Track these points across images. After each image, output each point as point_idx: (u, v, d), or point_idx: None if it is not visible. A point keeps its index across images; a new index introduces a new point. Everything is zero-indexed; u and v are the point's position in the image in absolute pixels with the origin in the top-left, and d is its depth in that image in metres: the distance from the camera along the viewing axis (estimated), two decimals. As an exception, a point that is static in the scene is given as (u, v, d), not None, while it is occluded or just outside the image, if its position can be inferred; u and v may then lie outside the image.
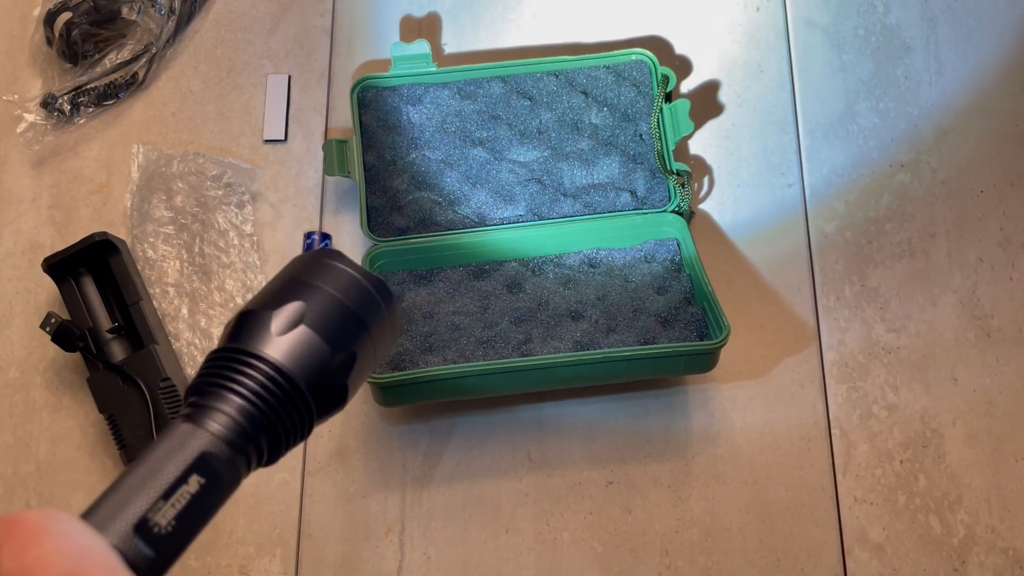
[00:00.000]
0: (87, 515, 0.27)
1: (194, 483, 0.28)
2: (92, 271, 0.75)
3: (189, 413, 0.30)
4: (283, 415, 0.31)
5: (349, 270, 0.34)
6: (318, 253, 0.35)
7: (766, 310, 0.75)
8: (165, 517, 0.27)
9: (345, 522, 0.71)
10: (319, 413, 0.32)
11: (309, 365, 0.31)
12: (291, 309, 0.32)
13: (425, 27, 0.85)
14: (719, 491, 0.71)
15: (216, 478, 0.28)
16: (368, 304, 0.34)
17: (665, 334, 0.71)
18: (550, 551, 0.70)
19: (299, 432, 0.32)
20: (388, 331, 0.35)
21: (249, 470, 0.30)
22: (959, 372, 0.73)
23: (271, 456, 0.31)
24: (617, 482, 0.71)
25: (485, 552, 0.70)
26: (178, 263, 0.77)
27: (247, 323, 0.32)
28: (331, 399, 0.32)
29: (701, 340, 0.70)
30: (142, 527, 0.26)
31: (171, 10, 0.83)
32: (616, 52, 0.79)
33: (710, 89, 0.82)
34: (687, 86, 0.82)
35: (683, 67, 0.82)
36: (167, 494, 0.27)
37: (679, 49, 0.83)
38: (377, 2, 0.86)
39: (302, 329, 0.31)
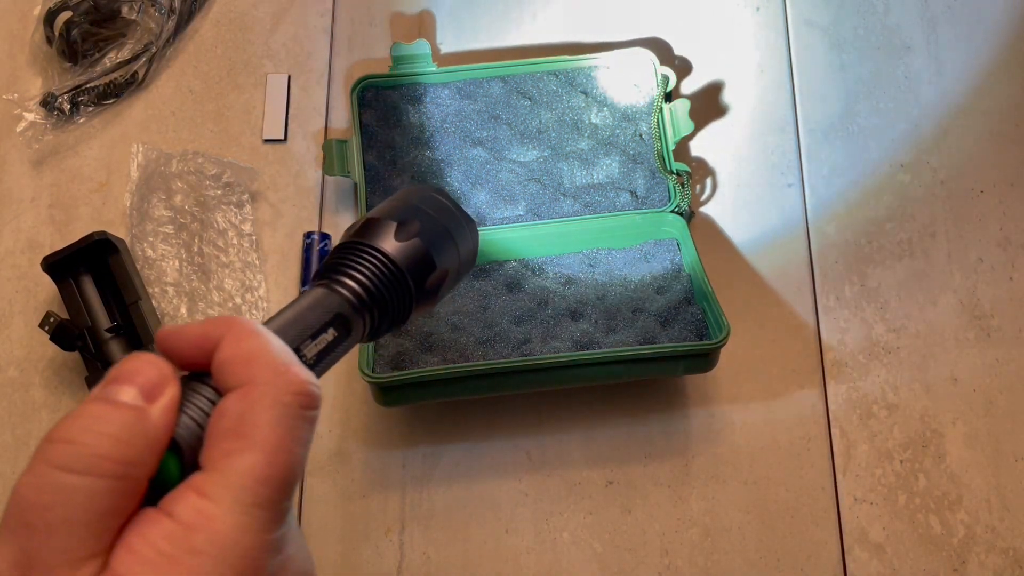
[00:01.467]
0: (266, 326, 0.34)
1: (331, 333, 0.37)
2: (91, 270, 0.75)
3: (325, 282, 0.39)
4: (393, 296, 0.40)
5: (451, 206, 0.44)
6: (430, 187, 0.45)
7: (766, 310, 0.75)
8: (311, 351, 0.35)
9: (345, 522, 0.71)
10: (416, 304, 0.41)
11: (416, 266, 0.41)
12: (412, 225, 0.41)
13: (425, 27, 0.85)
14: (719, 491, 0.70)
15: (345, 332, 0.37)
16: (461, 233, 0.44)
17: (665, 334, 0.71)
18: (550, 551, 0.69)
19: (400, 316, 0.41)
20: (471, 256, 0.45)
21: (362, 334, 0.39)
22: (959, 372, 0.73)
23: (378, 328, 0.40)
24: (617, 482, 0.71)
25: (485, 552, 0.70)
26: (177, 262, 0.77)
27: (373, 226, 0.41)
28: (427, 296, 0.42)
29: (701, 340, 0.70)
30: (298, 351, 0.35)
31: (171, 9, 0.83)
32: (616, 52, 0.79)
33: (710, 89, 0.82)
34: (687, 86, 0.82)
35: (683, 67, 0.82)
36: (314, 335, 0.36)
37: (679, 49, 0.83)
38: (377, 2, 0.86)
39: (416, 241, 0.41)
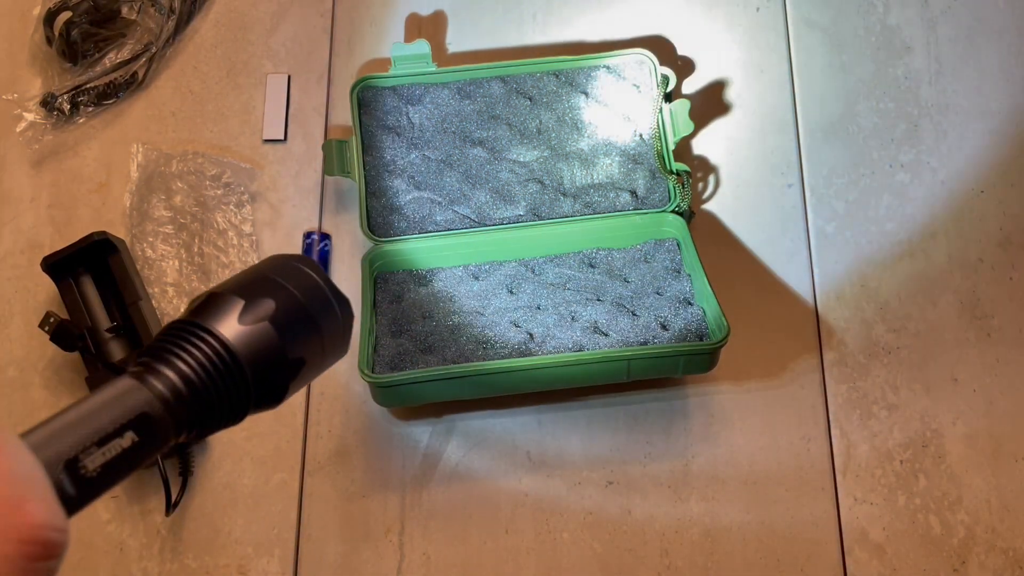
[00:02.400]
0: (24, 437, 0.28)
1: (128, 438, 0.30)
2: (91, 270, 0.75)
3: (137, 371, 0.32)
4: (223, 396, 0.32)
5: (318, 279, 0.36)
6: (293, 257, 0.37)
7: (766, 310, 0.75)
8: (94, 463, 0.28)
9: (345, 522, 0.71)
10: (255, 405, 0.34)
11: (261, 359, 0.33)
12: (263, 305, 0.34)
13: (425, 27, 0.85)
14: (719, 491, 0.70)
15: (148, 438, 0.30)
16: (328, 315, 0.36)
17: (665, 334, 0.71)
18: (550, 551, 0.69)
19: (231, 417, 0.33)
20: (339, 346, 0.37)
21: (176, 439, 0.32)
22: (959, 372, 0.73)
23: (200, 432, 0.33)
24: (617, 482, 0.71)
25: (485, 552, 0.70)
26: (177, 262, 0.77)
27: (215, 303, 0.34)
28: (270, 396, 0.34)
29: (701, 340, 0.70)
30: (71, 465, 0.28)
31: (171, 10, 0.83)
32: (616, 52, 0.79)
33: (710, 89, 0.82)
34: (687, 86, 0.82)
35: (683, 67, 0.82)
36: (101, 442, 0.29)
37: (679, 49, 0.83)
38: (377, 2, 0.86)
39: (265, 325, 0.33)
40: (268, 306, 0.34)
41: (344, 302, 0.36)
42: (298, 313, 0.34)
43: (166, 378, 0.31)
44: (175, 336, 0.33)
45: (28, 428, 0.28)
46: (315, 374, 0.36)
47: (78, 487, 0.28)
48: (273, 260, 0.37)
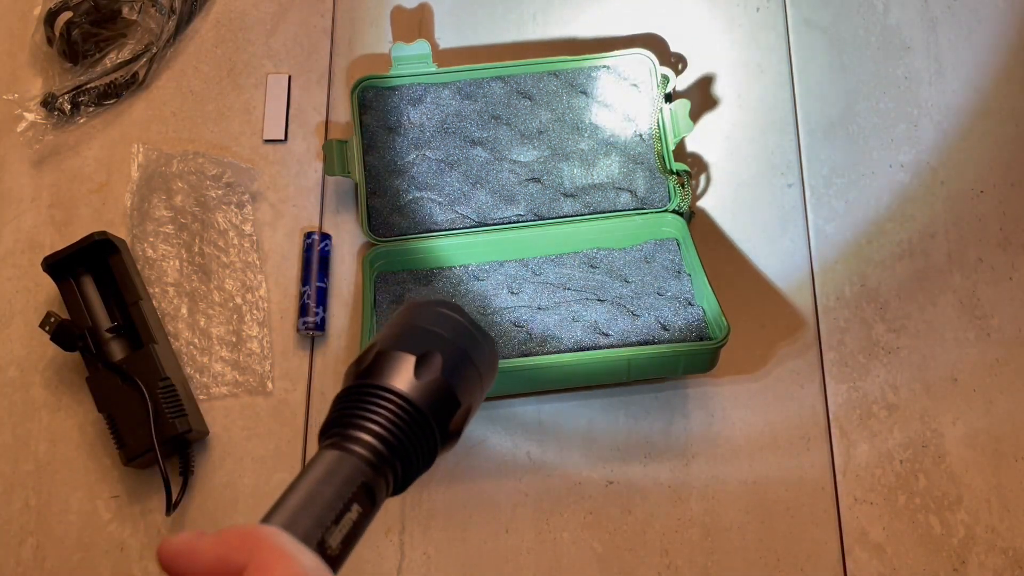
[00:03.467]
0: (269, 524, 0.29)
1: (355, 511, 0.31)
2: (92, 270, 0.75)
3: (334, 441, 0.33)
4: (417, 448, 0.34)
5: (465, 322, 0.38)
6: (435, 303, 0.39)
7: (766, 310, 0.75)
8: (335, 540, 0.30)
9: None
10: (442, 447, 0.36)
11: (440, 408, 0.35)
12: (434, 360, 0.35)
13: (425, 27, 0.85)
14: (719, 491, 0.71)
15: (371, 505, 0.32)
16: (480, 353, 0.38)
17: (665, 334, 0.71)
18: (550, 551, 0.69)
19: (426, 463, 0.35)
20: (491, 375, 0.39)
21: (387, 495, 0.34)
22: (959, 372, 0.73)
23: (404, 484, 0.35)
24: (617, 482, 0.71)
25: (485, 552, 0.70)
26: (178, 263, 0.77)
27: (387, 363, 0.35)
28: (451, 438, 0.36)
29: (701, 340, 0.70)
30: (321, 547, 0.29)
31: (171, 10, 0.83)
32: (616, 52, 0.79)
33: (710, 89, 0.82)
34: (687, 86, 0.82)
35: (683, 67, 0.82)
36: (337, 519, 0.30)
37: (679, 49, 0.83)
38: (377, 2, 0.86)
39: (439, 378, 0.35)
40: (438, 360, 0.36)
41: (488, 338, 0.39)
42: (460, 359, 0.37)
43: (366, 443, 0.33)
44: (359, 400, 0.34)
45: (264, 517, 0.28)
46: (479, 407, 0.39)
47: (330, 566, 0.29)
48: (419, 308, 0.39)
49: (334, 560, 0.29)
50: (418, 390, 0.34)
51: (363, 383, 0.35)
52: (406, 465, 0.34)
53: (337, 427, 0.34)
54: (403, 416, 0.34)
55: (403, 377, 0.35)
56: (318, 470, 0.32)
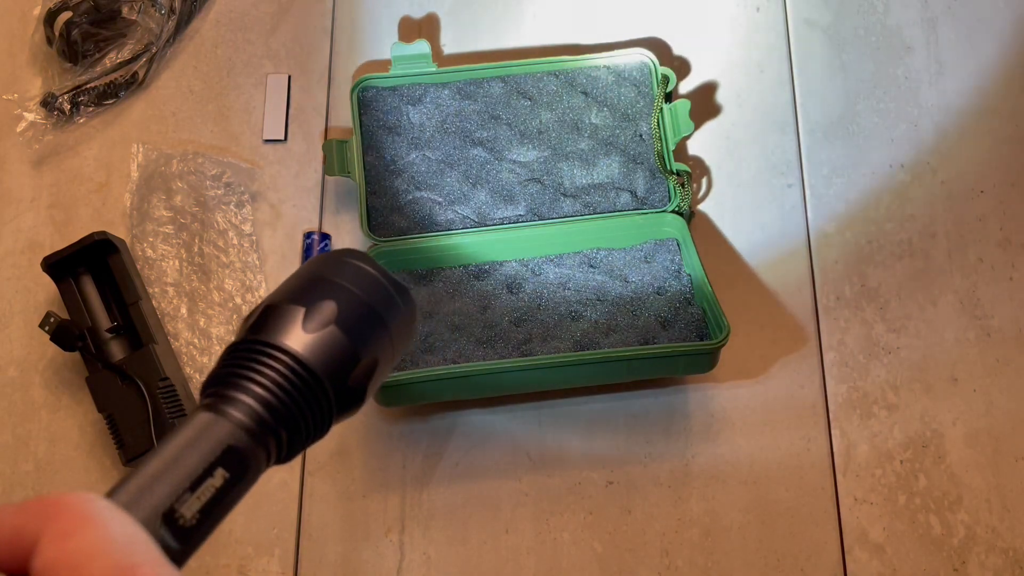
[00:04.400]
0: (112, 497, 0.26)
1: (219, 476, 0.28)
2: (91, 270, 0.75)
3: (209, 403, 0.30)
4: (305, 411, 0.31)
5: (375, 272, 0.34)
6: (343, 252, 0.35)
7: (766, 310, 0.75)
8: (191, 509, 0.27)
9: (345, 522, 0.71)
10: (338, 412, 0.32)
11: (334, 365, 0.31)
12: (325, 308, 0.31)
13: (425, 27, 0.85)
14: (719, 491, 0.70)
15: (240, 472, 0.28)
16: (392, 308, 0.34)
17: (665, 334, 0.71)
18: (550, 551, 0.69)
19: (318, 430, 0.32)
20: (406, 335, 0.35)
21: (267, 464, 0.30)
22: (959, 372, 0.73)
23: (289, 452, 0.31)
24: (617, 482, 0.71)
25: (485, 552, 0.70)
26: (177, 263, 0.77)
27: (274, 316, 0.32)
28: (351, 400, 0.33)
29: (701, 340, 0.70)
30: (169, 517, 0.26)
31: (171, 10, 0.83)
32: (616, 52, 0.79)
33: (710, 89, 0.82)
34: (687, 86, 0.82)
35: (683, 67, 0.82)
36: (193, 486, 0.27)
37: (679, 49, 0.83)
38: (377, 2, 0.86)
39: (332, 329, 0.31)
40: (330, 308, 0.32)
41: (404, 291, 0.35)
42: (361, 310, 0.32)
43: (243, 404, 0.30)
44: (241, 358, 0.31)
45: (112, 486, 0.26)
46: (388, 369, 0.34)
47: (180, 539, 0.26)
48: (323, 259, 0.35)
49: (190, 530, 0.26)
50: (306, 344, 0.30)
51: (246, 339, 0.31)
52: (291, 429, 0.30)
53: (214, 386, 0.30)
54: (287, 374, 0.30)
55: (290, 331, 0.31)
56: (183, 435, 0.28)
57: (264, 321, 0.32)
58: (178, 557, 0.26)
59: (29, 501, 0.23)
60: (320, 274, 0.33)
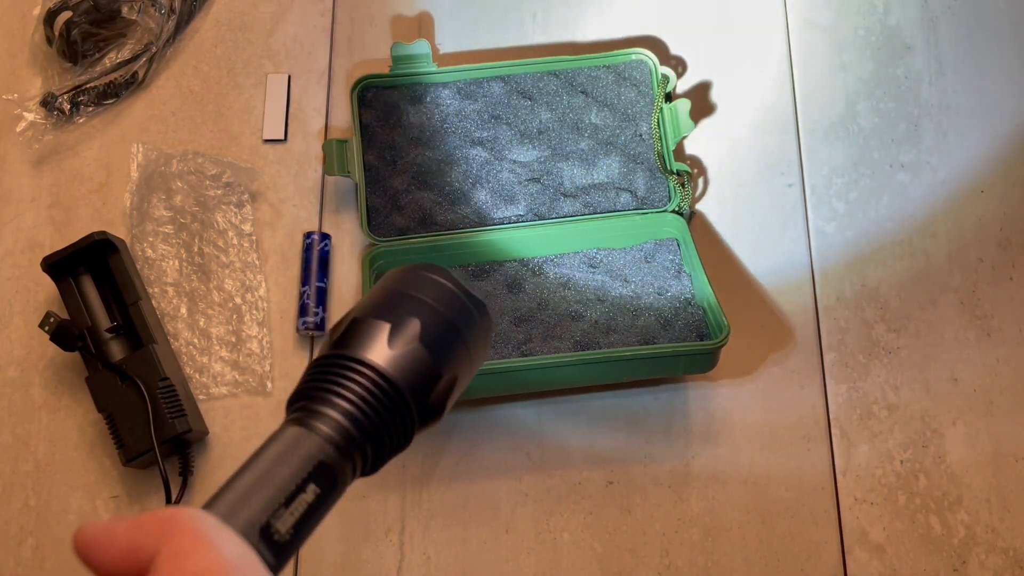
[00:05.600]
0: (209, 509, 0.26)
1: (311, 492, 0.28)
2: (91, 270, 0.75)
3: (299, 417, 0.30)
4: (390, 426, 0.31)
5: (455, 289, 0.34)
6: (421, 267, 0.35)
7: (766, 310, 0.75)
8: (285, 524, 0.27)
9: (345, 522, 0.71)
10: (420, 426, 0.33)
11: (418, 381, 0.32)
12: (410, 326, 0.32)
13: (425, 27, 0.85)
14: (719, 491, 0.70)
15: (331, 486, 0.29)
16: (470, 324, 0.34)
17: (665, 334, 0.71)
18: (550, 551, 0.69)
19: (401, 443, 0.32)
20: (483, 349, 0.35)
21: (353, 478, 0.30)
22: (959, 372, 0.73)
23: (374, 465, 0.31)
24: (617, 482, 0.71)
25: (485, 552, 0.70)
26: (177, 263, 0.77)
27: (360, 331, 0.32)
28: (432, 414, 0.33)
29: (701, 340, 0.70)
30: (266, 532, 0.26)
31: (171, 9, 0.83)
32: (616, 52, 0.79)
33: (710, 89, 0.82)
34: (687, 86, 0.82)
35: (683, 67, 0.82)
36: (287, 501, 0.27)
37: (679, 49, 0.83)
38: (377, 2, 0.86)
39: (417, 347, 0.31)
40: (415, 326, 0.32)
41: (480, 305, 0.35)
42: (443, 326, 0.33)
43: (331, 419, 0.30)
44: (328, 373, 0.31)
45: (208, 499, 0.26)
46: (466, 383, 0.35)
47: (275, 553, 0.27)
48: (402, 274, 0.35)
49: (284, 546, 0.27)
50: (392, 360, 0.31)
51: (333, 353, 0.32)
52: (376, 444, 0.30)
53: (301, 400, 0.31)
54: (373, 390, 0.31)
55: (376, 347, 0.31)
56: (274, 449, 0.29)
57: (350, 335, 0.32)
58: (274, 571, 0.27)
59: (143, 517, 0.23)
60: (402, 289, 0.33)
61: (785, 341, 0.74)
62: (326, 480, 0.28)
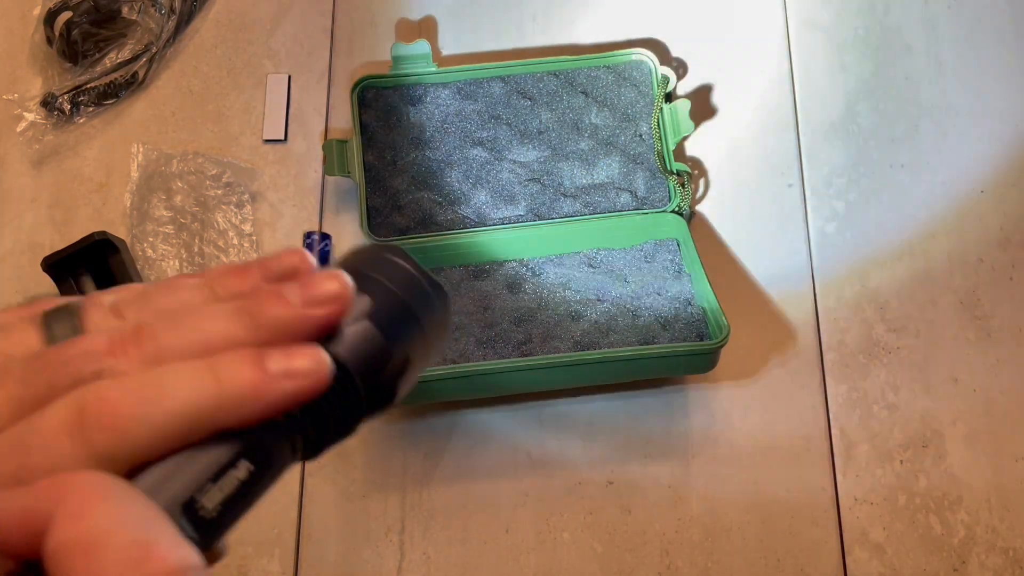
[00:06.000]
0: (133, 483, 0.25)
1: (243, 468, 0.27)
2: (91, 270, 0.75)
3: None
4: (335, 407, 0.29)
5: (412, 270, 0.32)
6: (380, 247, 0.34)
7: (766, 310, 0.75)
8: (212, 501, 0.26)
9: (345, 522, 0.71)
10: (368, 410, 0.31)
11: (367, 362, 0.30)
12: (359, 303, 0.30)
13: (425, 27, 0.85)
14: (719, 491, 0.70)
15: (264, 464, 0.27)
16: (426, 306, 0.32)
17: (665, 334, 0.71)
18: (550, 551, 0.69)
19: (345, 427, 0.31)
20: (440, 337, 0.34)
21: (293, 459, 0.29)
22: (959, 372, 0.73)
23: (315, 448, 0.30)
24: (617, 482, 0.71)
25: (485, 552, 0.70)
26: (177, 263, 0.77)
27: None
28: (381, 398, 0.31)
29: (701, 340, 0.70)
30: (189, 508, 0.25)
31: (171, 10, 0.83)
32: (616, 52, 0.79)
33: (710, 89, 0.82)
34: (687, 86, 0.82)
35: (682, 67, 0.82)
36: (215, 476, 0.26)
37: (679, 49, 0.83)
38: (377, 2, 0.86)
39: (366, 324, 0.30)
40: (364, 303, 0.30)
41: (439, 289, 0.33)
42: (396, 307, 0.31)
43: None
44: None
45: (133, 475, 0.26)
46: (420, 368, 0.33)
47: (200, 531, 0.25)
48: (360, 253, 0.33)
49: (210, 523, 0.25)
50: (338, 338, 0.29)
51: None
52: (318, 424, 0.29)
53: None
54: None
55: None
56: None
57: None
58: (199, 547, 0.25)
59: (39, 482, 0.22)
60: (358, 268, 0.32)
61: (785, 341, 0.74)
62: (259, 457, 0.27)
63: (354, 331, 0.29)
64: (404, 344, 0.31)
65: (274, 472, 0.28)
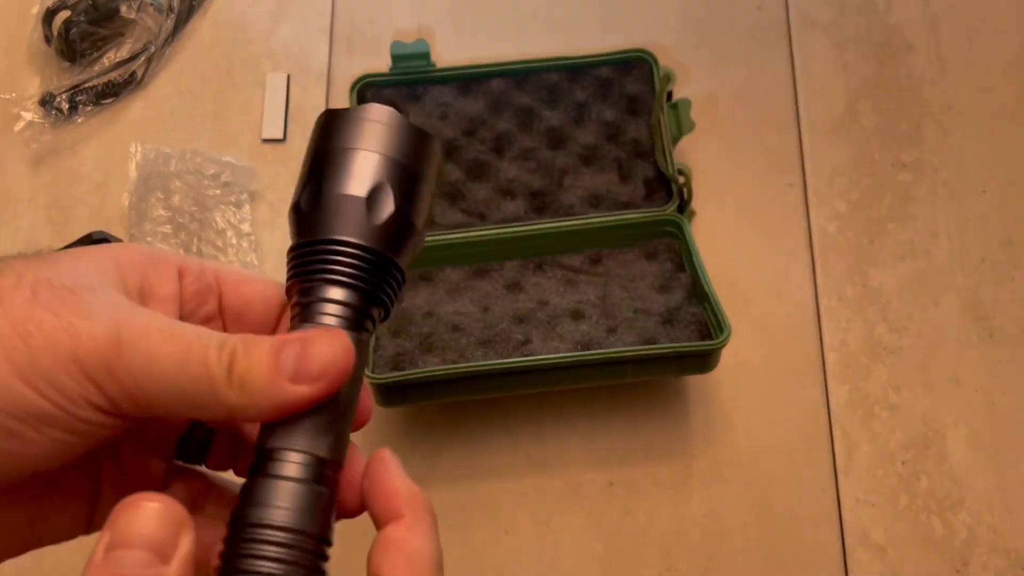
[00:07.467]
0: None
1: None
2: (90, 270, 0.74)
3: (299, 314, 0.32)
4: (385, 286, 0.32)
5: (409, 131, 0.33)
6: (366, 113, 0.34)
7: (767, 310, 0.75)
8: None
9: (345, 522, 0.70)
10: (405, 278, 0.34)
11: (398, 242, 0.32)
12: (383, 193, 0.32)
13: (424, 26, 0.85)
14: (720, 492, 0.70)
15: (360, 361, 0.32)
16: (431, 164, 0.34)
17: (665, 334, 0.70)
18: (550, 552, 0.69)
19: (400, 284, 0.34)
20: (439, 176, 0.35)
21: (372, 333, 0.33)
22: (961, 373, 0.73)
23: (383, 318, 0.34)
24: (617, 483, 0.71)
25: (485, 553, 0.69)
26: (176, 262, 0.77)
27: (338, 208, 0.32)
28: (413, 247, 0.34)
29: (702, 340, 0.70)
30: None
31: (170, 9, 0.83)
32: (617, 51, 0.79)
33: (711, 88, 0.82)
34: (688, 86, 0.82)
35: (683, 67, 0.82)
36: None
37: (680, 48, 0.83)
38: (377, 2, 0.85)
39: (394, 212, 0.32)
40: (387, 192, 0.32)
41: (430, 137, 0.34)
42: (410, 179, 0.33)
43: (327, 304, 0.32)
44: (312, 260, 0.32)
45: None
46: (429, 202, 0.35)
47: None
48: (348, 124, 0.35)
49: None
50: (374, 235, 0.31)
51: (306, 243, 0.32)
52: (375, 304, 0.33)
53: (295, 296, 0.32)
54: (354, 261, 0.31)
55: (355, 222, 0.31)
56: None
57: (329, 213, 0.33)
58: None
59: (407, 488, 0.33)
60: (355, 146, 0.34)
61: (786, 341, 0.74)
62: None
63: (384, 226, 0.32)
64: (419, 209, 0.33)
65: (362, 363, 0.33)
